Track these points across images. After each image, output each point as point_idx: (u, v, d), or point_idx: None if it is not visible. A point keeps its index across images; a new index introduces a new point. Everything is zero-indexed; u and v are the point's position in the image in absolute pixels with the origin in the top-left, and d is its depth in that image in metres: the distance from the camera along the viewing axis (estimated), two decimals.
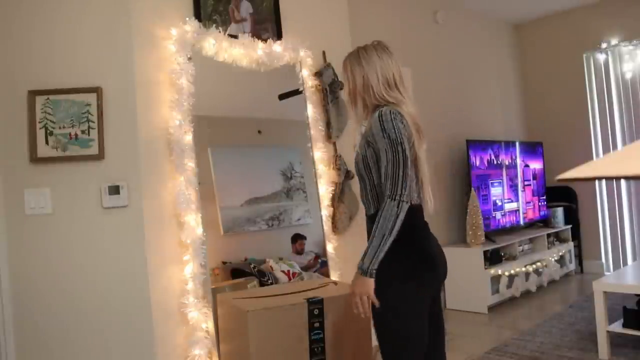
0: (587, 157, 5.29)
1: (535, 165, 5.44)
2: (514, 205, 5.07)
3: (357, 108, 1.85)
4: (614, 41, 5.31)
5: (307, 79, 3.01)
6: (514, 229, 5.11)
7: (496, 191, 4.81)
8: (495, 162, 4.88)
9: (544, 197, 5.51)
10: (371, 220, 1.74)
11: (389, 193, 1.63)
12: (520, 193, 5.18)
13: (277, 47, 2.81)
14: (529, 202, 5.28)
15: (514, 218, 5.06)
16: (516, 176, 5.15)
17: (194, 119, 2.42)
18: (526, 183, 5.27)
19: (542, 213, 5.43)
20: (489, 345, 3.51)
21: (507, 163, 5.04)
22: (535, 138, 5.82)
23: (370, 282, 1.62)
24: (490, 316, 4.25)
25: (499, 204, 4.84)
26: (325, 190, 3.00)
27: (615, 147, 5.43)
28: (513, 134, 5.75)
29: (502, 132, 5.59)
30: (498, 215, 4.82)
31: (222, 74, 2.63)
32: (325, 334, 2.09)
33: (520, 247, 4.90)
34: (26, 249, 2.30)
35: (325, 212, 2.99)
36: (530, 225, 5.40)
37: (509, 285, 4.51)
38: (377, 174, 1.74)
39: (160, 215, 2.34)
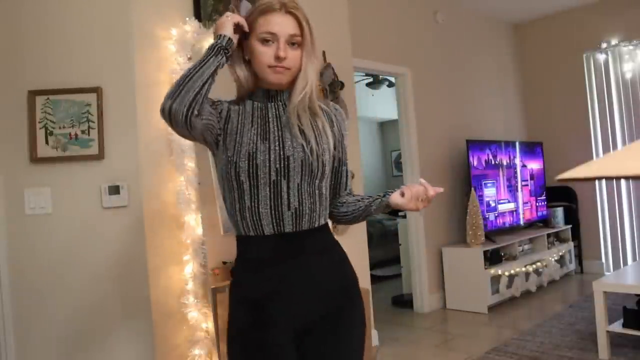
0: (587, 157, 5.29)
1: (533, 165, 5.44)
2: (511, 206, 5.05)
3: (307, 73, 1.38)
4: (614, 41, 5.31)
5: None
6: (514, 229, 5.11)
7: (489, 192, 4.77)
8: (492, 162, 4.87)
9: (542, 197, 5.50)
10: (327, 232, 1.42)
11: (350, 190, 1.53)
12: (518, 193, 5.17)
13: None
14: (527, 203, 5.27)
15: (510, 219, 5.04)
16: (514, 176, 5.14)
17: None
18: (523, 183, 5.26)
19: (539, 213, 5.42)
20: (489, 345, 3.51)
21: (504, 163, 5.02)
22: (535, 138, 5.82)
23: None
24: (490, 316, 4.25)
25: (492, 205, 4.80)
26: None
27: (615, 147, 5.43)
28: (513, 134, 5.75)
29: (502, 132, 5.59)
30: (491, 216, 4.78)
31: (222, 74, 2.63)
32: None
33: (520, 247, 4.90)
34: (26, 249, 2.30)
35: None
36: (530, 225, 5.40)
37: (509, 285, 4.51)
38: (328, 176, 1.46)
39: (160, 215, 2.34)
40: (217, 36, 1.34)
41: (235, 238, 1.42)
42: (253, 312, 1.32)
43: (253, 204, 1.32)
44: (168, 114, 1.26)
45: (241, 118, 1.37)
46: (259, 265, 1.34)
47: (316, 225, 1.37)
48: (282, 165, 1.32)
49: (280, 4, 1.34)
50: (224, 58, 1.33)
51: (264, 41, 1.34)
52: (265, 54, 1.33)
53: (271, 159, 1.32)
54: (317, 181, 1.36)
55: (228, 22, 1.34)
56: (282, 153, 1.32)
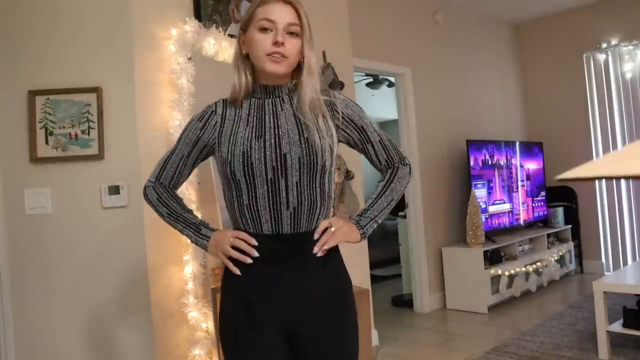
0: (587, 157, 5.29)
1: (531, 165, 5.42)
2: (506, 207, 5.02)
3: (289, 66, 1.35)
4: (614, 41, 5.31)
5: None
6: (514, 229, 5.11)
7: (480, 193, 4.67)
8: (489, 162, 4.85)
9: (539, 198, 5.48)
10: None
11: (398, 159, 1.47)
12: (516, 194, 5.16)
13: None
14: (523, 203, 5.25)
15: (507, 220, 5.01)
16: (510, 177, 5.12)
17: None
18: (521, 184, 5.24)
19: (536, 214, 5.40)
20: (489, 345, 3.51)
21: (501, 163, 5.00)
22: (535, 138, 5.82)
23: (357, 238, 1.40)
24: (490, 316, 4.25)
25: (483, 206, 4.70)
26: None
27: (615, 147, 5.43)
28: (513, 134, 5.75)
29: (502, 132, 5.59)
30: (482, 217, 4.66)
31: (222, 74, 2.63)
32: None
33: (520, 247, 4.90)
34: (26, 249, 2.30)
35: None
36: (531, 225, 5.40)
37: (509, 285, 4.51)
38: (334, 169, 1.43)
39: None
40: (204, 244, 1.40)
41: None
42: (246, 311, 1.31)
43: (251, 202, 1.31)
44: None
45: (236, 119, 1.36)
46: (254, 264, 1.32)
47: (314, 227, 1.35)
48: (278, 163, 1.30)
49: None
50: (192, 241, 1.43)
51: (263, 29, 1.31)
52: (263, 41, 1.31)
53: (267, 157, 1.30)
54: (318, 178, 1.34)
55: (224, 252, 1.36)
56: (278, 151, 1.30)
